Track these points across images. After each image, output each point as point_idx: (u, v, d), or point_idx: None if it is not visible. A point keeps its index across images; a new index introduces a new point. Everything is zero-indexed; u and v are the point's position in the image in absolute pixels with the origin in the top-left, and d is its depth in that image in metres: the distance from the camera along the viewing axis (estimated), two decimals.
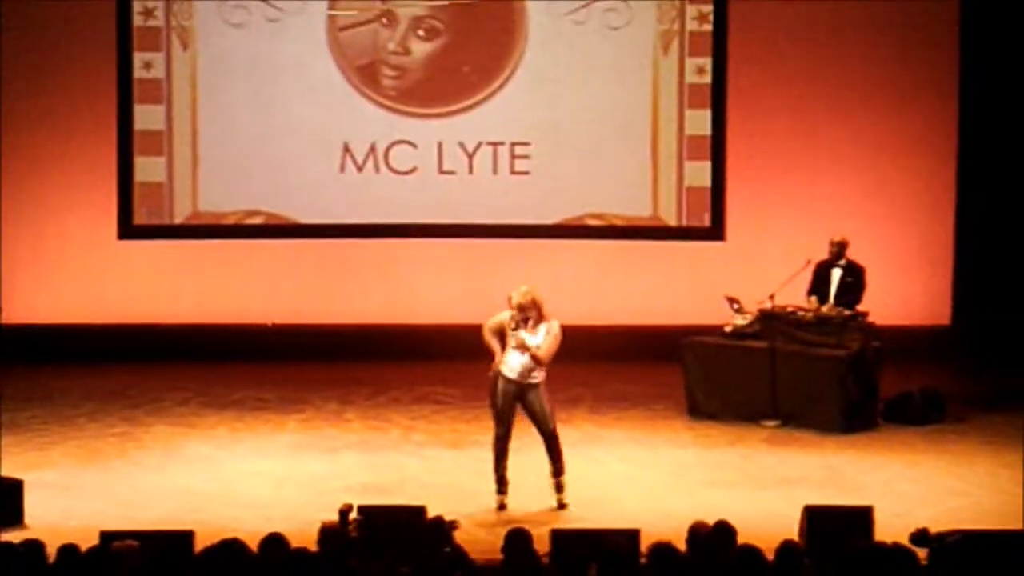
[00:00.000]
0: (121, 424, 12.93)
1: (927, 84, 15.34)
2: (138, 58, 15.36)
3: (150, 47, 15.37)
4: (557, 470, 10.86)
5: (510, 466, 10.85)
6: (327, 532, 7.85)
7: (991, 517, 10.28)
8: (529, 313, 10.69)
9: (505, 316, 10.76)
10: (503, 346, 10.74)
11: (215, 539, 7.49)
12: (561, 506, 10.79)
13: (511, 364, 10.74)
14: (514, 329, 10.66)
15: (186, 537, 8.46)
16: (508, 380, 10.75)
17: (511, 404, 10.79)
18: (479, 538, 9.20)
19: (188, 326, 15.31)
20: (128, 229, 15.47)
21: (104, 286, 15.35)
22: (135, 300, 15.35)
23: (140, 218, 15.49)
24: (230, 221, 15.52)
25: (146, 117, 15.42)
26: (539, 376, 10.78)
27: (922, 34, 15.30)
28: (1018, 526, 9.25)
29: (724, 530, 7.74)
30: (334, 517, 8.39)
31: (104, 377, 14.37)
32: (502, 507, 10.80)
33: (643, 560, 7.55)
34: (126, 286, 15.38)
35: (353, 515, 8.47)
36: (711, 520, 8.01)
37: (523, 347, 10.69)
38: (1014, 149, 15.09)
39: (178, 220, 15.53)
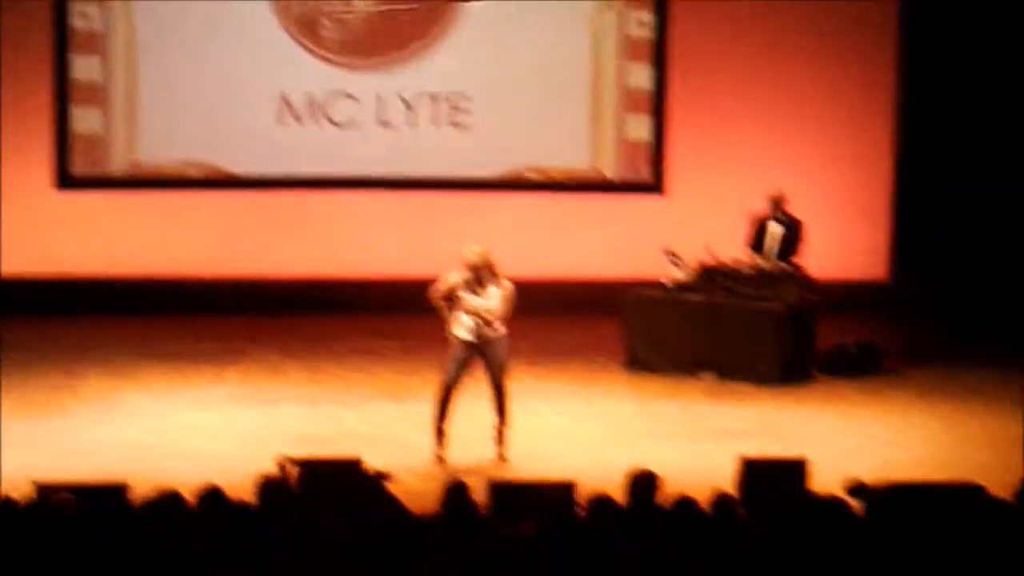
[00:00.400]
0: (58, 376, 12.85)
1: (866, 39, 15.39)
2: (74, 8, 15.19)
3: None
4: (502, 423, 10.90)
5: (450, 418, 10.88)
6: (265, 484, 7.83)
7: (925, 468, 10.39)
8: (482, 272, 10.70)
9: (454, 277, 10.75)
10: (452, 307, 10.74)
11: (152, 491, 7.47)
12: (501, 458, 10.83)
13: (467, 325, 10.75)
14: (467, 291, 10.66)
15: (123, 489, 8.42)
16: (466, 343, 10.77)
17: (468, 359, 10.82)
18: (417, 490, 9.20)
19: (126, 278, 15.22)
20: (66, 180, 15.34)
21: (41, 237, 15.22)
22: (73, 251, 15.24)
23: (78, 169, 15.36)
24: (168, 173, 15.42)
25: (83, 68, 15.27)
26: (500, 330, 10.79)
27: None
28: (950, 477, 9.34)
29: (661, 483, 7.78)
30: (272, 469, 8.37)
31: (40, 329, 14.27)
32: (440, 459, 10.82)
33: (580, 512, 7.59)
34: (64, 237, 15.26)
35: (292, 468, 8.45)
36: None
37: (476, 313, 10.69)
38: (952, 104, 15.17)
39: (116, 171, 15.41)
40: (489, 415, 10.95)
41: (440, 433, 10.88)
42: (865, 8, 15.35)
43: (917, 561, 6.95)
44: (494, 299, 10.72)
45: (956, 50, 15.11)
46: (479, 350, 10.81)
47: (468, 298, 10.68)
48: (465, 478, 8.02)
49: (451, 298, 10.76)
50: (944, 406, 12.26)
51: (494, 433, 10.90)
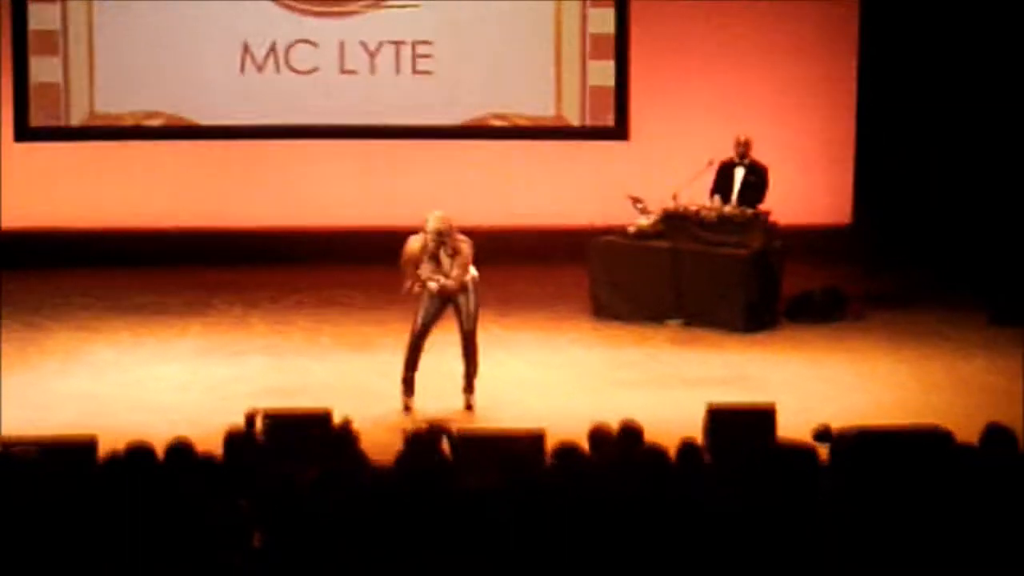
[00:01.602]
0: (22, 329, 12.77)
1: None
2: None
3: None
4: (469, 372, 10.91)
5: (427, 367, 10.90)
6: (233, 437, 7.82)
7: (891, 413, 10.45)
8: (445, 238, 10.71)
9: (416, 244, 10.74)
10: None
11: (119, 444, 7.43)
12: (469, 407, 10.84)
13: (428, 276, 10.78)
14: (430, 257, 10.67)
15: (90, 442, 8.39)
16: (425, 290, 10.79)
17: (439, 309, 10.83)
18: (384, 441, 9.19)
19: (88, 230, 15.13)
20: (24, 131, 15.21)
21: (1, 189, 15.09)
22: (33, 204, 15.12)
23: (37, 120, 15.24)
24: (128, 123, 15.31)
25: (41, 16, 15.12)
26: (468, 278, 10.80)
27: None
28: (916, 422, 9.39)
29: (630, 431, 7.79)
30: (239, 421, 8.36)
31: (3, 282, 14.15)
32: (408, 409, 10.82)
33: (548, 460, 7.59)
34: (23, 189, 15.13)
35: (259, 420, 8.44)
36: (615, 420, 8.07)
37: (442, 289, 10.70)
38: (915, 48, 15.16)
39: (75, 122, 15.29)
40: (458, 365, 10.95)
41: (408, 383, 10.88)
42: None
43: (883, 506, 6.98)
44: (455, 268, 10.71)
45: None
46: (451, 298, 10.83)
47: (429, 269, 10.69)
48: (431, 427, 8.02)
49: (417, 264, 10.78)
50: (909, 351, 12.31)
51: (462, 382, 10.90)
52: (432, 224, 10.73)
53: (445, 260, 10.78)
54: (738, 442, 8.30)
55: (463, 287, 10.84)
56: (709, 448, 8.70)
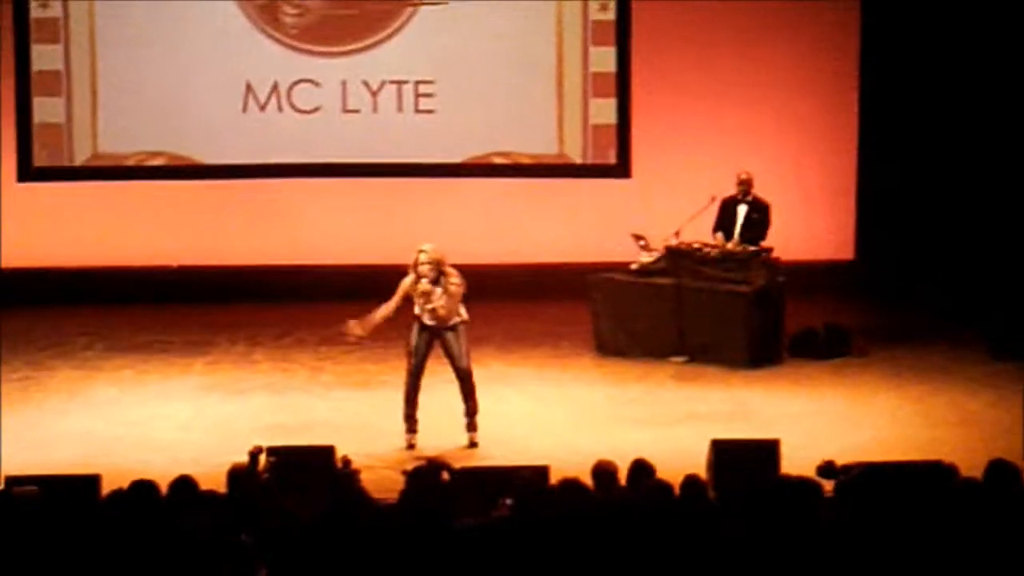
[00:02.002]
0: (24, 368, 12.78)
1: (830, 18, 15.40)
2: None
3: None
4: (470, 409, 10.91)
5: (420, 405, 10.88)
6: (236, 474, 7.82)
7: (894, 449, 10.43)
8: (440, 268, 10.73)
9: (408, 281, 10.76)
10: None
11: (122, 483, 7.43)
12: (472, 444, 10.83)
13: (420, 309, 10.79)
14: (426, 289, 10.71)
15: (93, 481, 8.39)
16: (425, 326, 10.80)
17: (428, 343, 10.84)
18: (387, 478, 9.18)
19: (91, 269, 15.14)
20: (27, 171, 15.25)
21: (3, 229, 15.11)
22: (36, 243, 15.14)
23: (40, 160, 15.27)
24: (131, 162, 15.34)
25: (44, 57, 15.18)
26: (458, 318, 10.81)
27: None
28: (920, 457, 9.37)
29: (641, 468, 7.78)
30: (243, 459, 8.35)
31: (6, 321, 14.14)
32: (411, 446, 10.81)
33: (552, 496, 7.58)
34: (26, 229, 15.15)
35: (263, 457, 8.44)
36: (618, 456, 8.06)
37: (434, 314, 10.71)
38: (916, 82, 15.20)
39: (78, 162, 15.32)
40: (459, 402, 10.95)
41: (411, 419, 10.88)
42: None
43: (888, 541, 6.97)
44: (445, 298, 10.73)
45: (920, 28, 15.13)
46: (438, 334, 10.83)
47: (421, 303, 10.73)
48: (431, 463, 8.02)
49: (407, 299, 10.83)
50: (913, 387, 12.30)
51: (464, 421, 10.90)
52: (427, 256, 10.75)
53: (437, 294, 10.78)
54: (742, 477, 8.29)
55: (452, 326, 10.83)
56: (713, 484, 8.69)
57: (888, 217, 15.35)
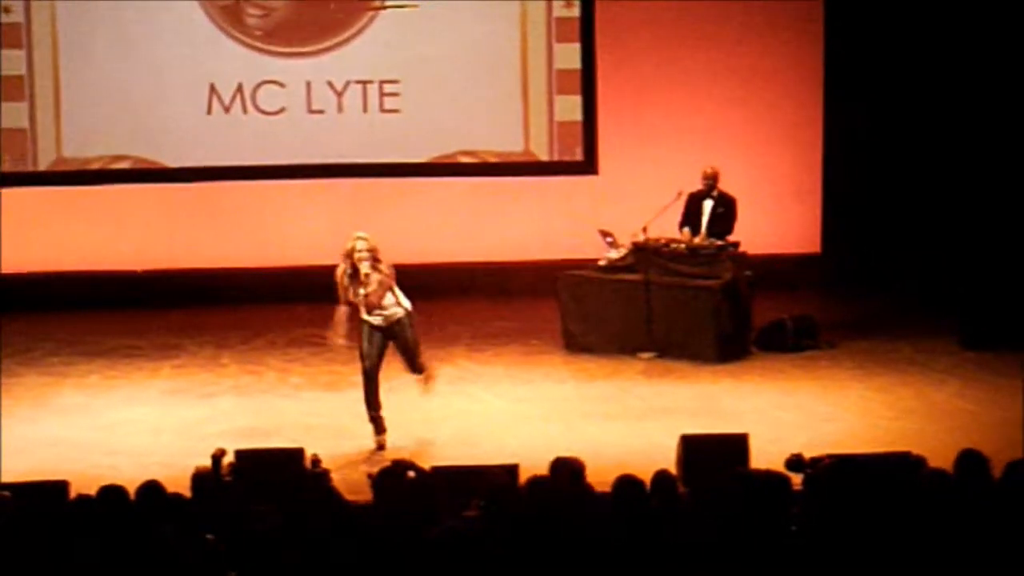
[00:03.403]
0: None
1: (794, 15, 15.43)
2: None
3: None
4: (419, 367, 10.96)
5: (383, 405, 10.88)
6: (200, 477, 7.80)
7: (862, 441, 10.46)
8: (375, 255, 10.74)
9: (340, 270, 10.77)
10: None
11: (90, 488, 7.40)
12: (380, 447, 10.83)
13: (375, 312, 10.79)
14: (353, 280, 10.68)
15: (61, 487, 8.35)
16: (374, 327, 10.79)
17: (380, 346, 10.85)
18: (356, 479, 9.17)
19: (56, 274, 15.07)
20: None
21: None
22: (1, 249, 15.05)
23: (4, 166, 15.20)
24: (96, 166, 15.28)
25: (6, 63, 15.09)
26: (400, 311, 10.79)
27: None
28: (889, 449, 9.40)
29: (563, 466, 7.77)
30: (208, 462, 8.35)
31: None
32: (381, 447, 10.80)
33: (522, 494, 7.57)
34: None
35: (227, 460, 8.42)
36: (590, 452, 8.07)
37: (367, 300, 10.73)
38: (880, 75, 15.25)
39: (42, 166, 15.25)
40: (423, 401, 10.97)
41: (376, 421, 10.87)
42: None
43: (857, 533, 6.98)
44: (373, 284, 10.73)
45: (884, 23, 15.17)
46: (389, 334, 10.83)
47: (353, 292, 10.76)
48: (396, 464, 8.01)
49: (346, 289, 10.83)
50: (880, 378, 12.33)
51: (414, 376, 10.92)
52: (365, 243, 10.73)
53: (372, 281, 10.75)
54: (712, 472, 8.30)
55: (398, 320, 10.81)
56: (683, 478, 8.70)
57: (854, 210, 15.39)
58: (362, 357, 10.90)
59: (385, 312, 10.81)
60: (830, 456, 8.19)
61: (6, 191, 15.15)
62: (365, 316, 10.84)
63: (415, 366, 11.00)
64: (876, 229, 15.32)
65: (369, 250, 10.76)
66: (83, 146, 15.23)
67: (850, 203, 15.42)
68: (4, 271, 15.01)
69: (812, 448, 8.93)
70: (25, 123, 15.18)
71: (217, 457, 8.46)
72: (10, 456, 10.54)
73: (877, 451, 9.18)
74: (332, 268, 12.02)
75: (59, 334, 13.97)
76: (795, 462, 8.21)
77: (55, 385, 12.48)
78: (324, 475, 8.15)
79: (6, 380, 12.58)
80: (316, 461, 8.68)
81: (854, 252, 15.32)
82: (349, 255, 10.77)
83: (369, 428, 10.88)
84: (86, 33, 15.12)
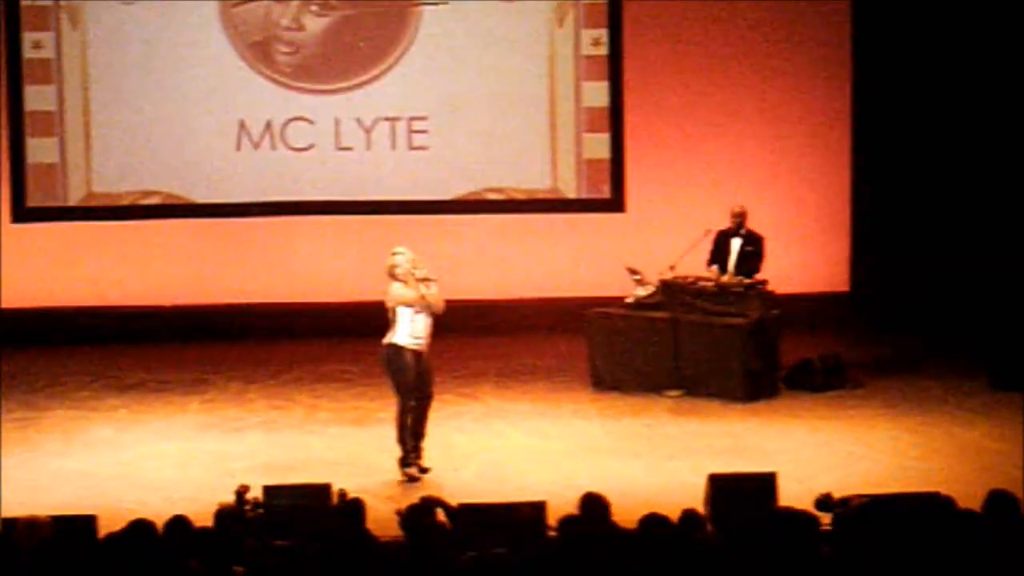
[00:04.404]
0: (20, 409, 12.75)
1: (821, 52, 15.44)
2: (27, 38, 15.13)
3: (39, 27, 15.14)
4: (422, 434, 10.94)
5: (427, 440, 10.99)
6: (223, 513, 7.81)
7: (891, 481, 10.41)
8: (419, 266, 10.86)
9: (404, 289, 10.77)
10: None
11: (119, 523, 7.41)
12: (424, 471, 10.83)
13: (417, 332, 10.81)
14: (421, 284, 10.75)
15: (89, 521, 8.36)
16: (415, 352, 10.83)
17: (422, 371, 10.85)
18: (384, 515, 9.16)
19: (86, 309, 15.13)
20: (21, 212, 15.26)
21: None
22: (31, 284, 15.14)
23: (34, 200, 15.28)
24: (125, 202, 15.35)
25: (37, 98, 15.19)
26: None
27: (817, 3, 15.40)
28: (917, 488, 9.36)
29: (593, 501, 7.76)
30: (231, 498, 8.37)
31: (1, 362, 14.15)
32: (415, 477, 10.79)
33: (551, 532, 7.57)
34: (21, 270, 15.15)
35: (251, 495, 8.43)
36: (617, 490, 8.04)
37: (429, 307, 10.74)
38: (907, 114, 15.24)
39: (72, 202, 15.33)
40: (452, 434, 10.98)
41: (417, 451, 10.87)
42: (819, 20, 15.40)
43: (886, 573, 6.95)
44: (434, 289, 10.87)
45: (911, 61, 15.18)
46: (421, 357, 10.86)
47: (429, 292, 10.81)
48: (425, 500, 8.01)
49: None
50: (909, 418, 12.29)
51: (415, 449, 10.89)
52: (407, 257, 10.82)
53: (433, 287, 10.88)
54: (740, 511, 8.27)
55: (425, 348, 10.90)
56: (711, 517, 8.67)
57: (882, 249, 15.37)
58: (409, 390, 10.89)
59: (425, 337, 10.81)
60: (859, 496, 8.16)
61: (37, 226, 15.23)
62: (408, 342, 10.81)
63: (430, 396, 11.01)
64: (905, 268, 15.28)
65: (414, 261, 10.84)
66: (113, 181, 15.31)
67: (878, 242, 15.39)
68: (34, 305, 15.08)
69: (841, 488, 8.90)
70: (56, 158, 15.27)
71: (241, 493, 8.46)
72: (39, 490, 10.58)
73: (906, 491, 9.13)
74: (360, 304, 12.12)
75: (88, 368, 14.03)
76: (824, 502, 8.18)
77: (84, 419, 12.52)
78: (357, 508, 8.14)
79: (36, 414, 12.63)
80: (343, 495, 8.67)
81: (883, 291, 15.29)
82: (393, 270, 10.76)
83: (395, 463, 10.88)
84: (117, 69, 15.21)
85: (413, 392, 10.88)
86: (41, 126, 15.23)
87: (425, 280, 10.84)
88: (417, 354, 10.84)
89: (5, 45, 15.11)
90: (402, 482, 10.78)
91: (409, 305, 10.77)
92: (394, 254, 10.91)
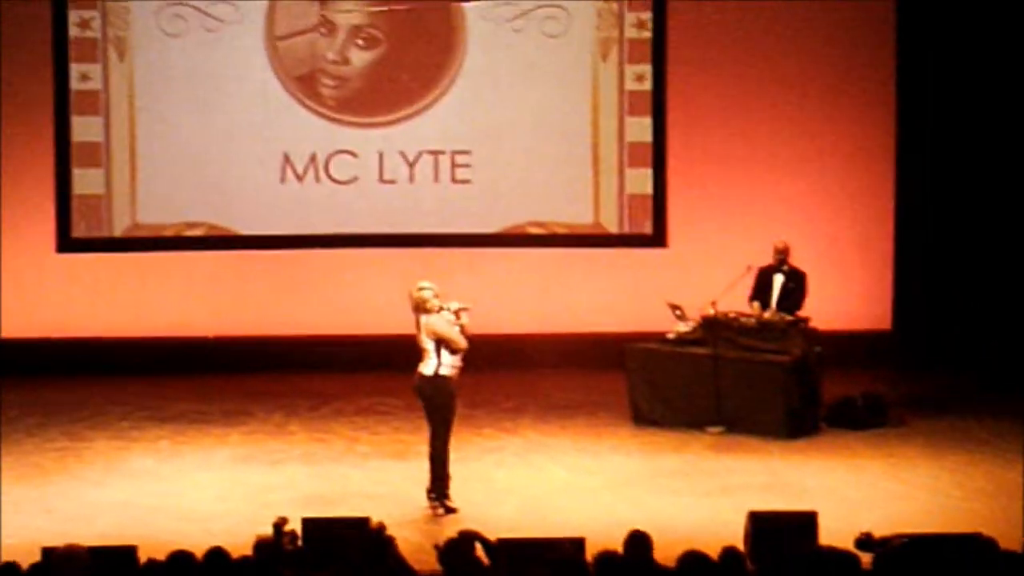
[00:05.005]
0: (61, 439, 12.82)
1: (865, 88, 15.43)
2: (75, 69, 15.25)
3: (87, 58, 15.26)
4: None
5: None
6: (261, 545, 7.83)
7: (933, 520, 10.34)
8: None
9: (444, 323, 10.79)
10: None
11: (159, 553, 7.43)
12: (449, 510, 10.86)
13: (456, 361, 10.87)
14: (455, 318, 10.79)
15: (130, 552, 8.38)
16: (453, 380, 10.83)
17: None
18: (423, 548, 9.16)
19: (128, 339, 15.21)
20: (67, 242, 15.36)
21: (43, 300, 15.22)
22: (75, 314, 15.23)
23: (79, 231, 15.38)
24: (170, 233, 15.43)
25: (84, 129, 15.31)
26: None
27: (859, 38, 15.39)
28: (959, 529, 9.30)
29: (638, 539, 7.73)
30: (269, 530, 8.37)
31: (44, 392, 14.25)
32: (453, 509, 10.79)
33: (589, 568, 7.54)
34: (65, 299, 15.25)
35: (288, 528, 8.44)
36: (656, 527, 8.01)
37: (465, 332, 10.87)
38: (952, 152, 15.20)
39: (117, 232, 15.42)
40: (488, 469, 10.97)
41: (447, 480, 10.89)
42: (863, 58, 15.38)
43: None
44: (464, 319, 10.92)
45: (955, 97, 15.14)
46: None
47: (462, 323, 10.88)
48: (463, 534, 8.00)
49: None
50: (951, 457, 12.21)
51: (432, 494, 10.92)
52: (434, 289, 10.89)
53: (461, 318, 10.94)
54: (780, 549, 8.23)
55: None
56: (751, 555, 8.63)
57: (925, 287, 15.31)
58: (452, 416, 10.92)
59: (460, 364, 10.87)
60: (900, 535, 8.11)
61: (81, 256, 15.33)
62: (451, 372, 10.85)
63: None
64: (948, 306, 15.21)
65: (437, 295, 10.89)
66: (158, 212, 15.40)
67: (921, 280, 15.33)
68: (78, 335, 15.16)
69: (882, 527, 8.84)
70: (102, 189, 15.37)
71: (279, 525, 8.46)
72: (80, 520, 10.62)
73: (947, 531, 9.08)
74: (401, 337, 12.12)
75: (130, 398, 14.08)
76: (865, 541, 8.13)
77: (125, 449, 12.56)
78: (390, 542, 8.13)
79: (78, 444, 12.69)
80: (382, 528, 8.66)
81: (926, 329, 15.22)
82: (423, 305, 10.80)
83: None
84: (163, 101, 15.32)
85: (453, 420, 10.90)
86: (87, 157, 15.35)
87: (461, 311, 10.86)
88: (455, 380, 10.88)
89: (53, 76, 15.22)
90: (439, 515, 10.76)
91: (451, 340, 10.79)
92: (420, 289, 10.92)
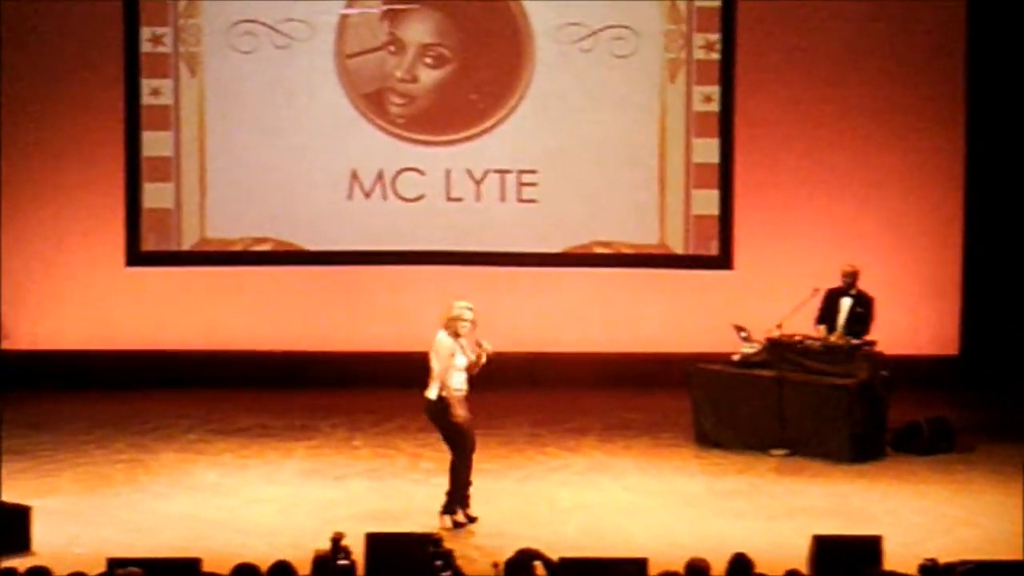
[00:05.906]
0: (128, 451, 12.93)
1: (934, 111, 15.35)
2: (146, 84, 15.40)
3: (158, 73, 15.41)
4: (471, 482, 11.08)
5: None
6: (320, 560, 7.87)
7: (999, 547, 10.27)
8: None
9: (449, 341, 10.88)
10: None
11: (222, 566, 7.49)
12: (465, 521, 10.92)
13: (463, 381, 11.00)
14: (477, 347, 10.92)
15: (194, 564, 8.45)
16: (463, 400, 10.94)
17: (470, 419, 11.02)
18: (483, 567, 9.18)
19: (195, 353, 15.30)
20: (136, 256, 15.48)
21: (111, 312, 15.36)
22: (143, 327, 15.35)
23: (148, 244, 15.50)
24: (238, 248, 15.54)
25: (154, 143, 15.45)
26: None
27: (929, 61, 15.32)
28: None
29: (741, 562, 7.72)
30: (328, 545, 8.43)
31: (111, 404, 14.37)
32: (461, 523, 10.80)
33: None
34: (134, 312, 15.38)
35: (345, 542, 8.48)
36: (719, 549, 8.00)
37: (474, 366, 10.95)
38: (1021, 175, 15.10)
39: (186, 247, 15.54)
40: (559, 489, 10.96)
41: (465, 498, 10.93)
42: (932, 80, 15.31)
43: None
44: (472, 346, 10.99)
45: None
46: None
47: (482, 352, 10.99)
48: (523, 553, 8.01)
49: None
50: (1017, 484, 12.06)
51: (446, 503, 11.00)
52: (470, 314, 10.88)
53: (467, 350, 10.97)
54: (844, 574, 8.19)
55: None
56: None
57: (994, 313, 15.20)
58: (471, 434, 10.95)
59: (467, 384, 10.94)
60: (965, 562, 8.06)
61: (151, 270, 15.46)
62: (459, 393, 10.90)
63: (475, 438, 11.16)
64: (1016, 331, 15.10)
65: (474, 321, 10.98)
66: (226, 227, 15.50)
67: (989, 305, 15.23)
68: (147, 348, 15.28)
69: (947, 553, 8.80)
70: (171, 203, 15.49)
71: (336, 540, 8.50)
72: (145, 531, 10.70)
73: (1013, 558, 9.01)
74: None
75: (196, 412, 14.18)
76: (930, 567, 8.09)
77: (190, 462, 12.65)
78: (449, 556, 8.16)
79: (144, 456, 12.79)
80: (438, 541, 8.67)
81: (993, 354, 15.11)
82: (456, 324, 10.89)
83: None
84: (232, 116, 15.43)
85: (469, 441, 10.91)
86: (158, 171, 15.47)
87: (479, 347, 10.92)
88: (465, 399, 10.92)
89: (125, 91, 15.37)
90: (446, 528, 10.77)
91: (432, 368, 10.86)
92: (465, 309, 10.94)
